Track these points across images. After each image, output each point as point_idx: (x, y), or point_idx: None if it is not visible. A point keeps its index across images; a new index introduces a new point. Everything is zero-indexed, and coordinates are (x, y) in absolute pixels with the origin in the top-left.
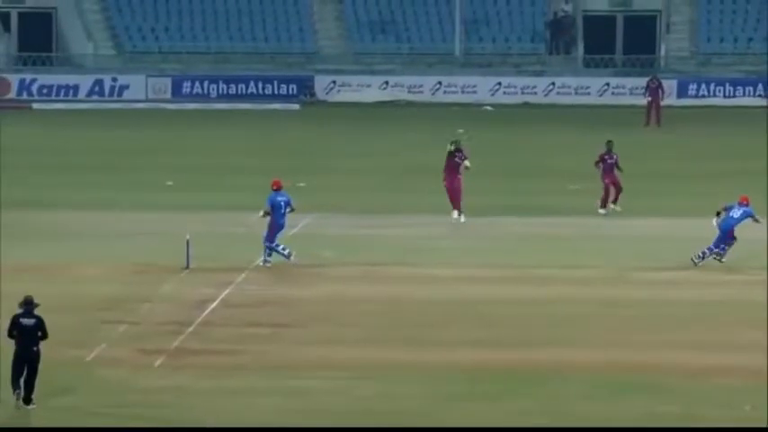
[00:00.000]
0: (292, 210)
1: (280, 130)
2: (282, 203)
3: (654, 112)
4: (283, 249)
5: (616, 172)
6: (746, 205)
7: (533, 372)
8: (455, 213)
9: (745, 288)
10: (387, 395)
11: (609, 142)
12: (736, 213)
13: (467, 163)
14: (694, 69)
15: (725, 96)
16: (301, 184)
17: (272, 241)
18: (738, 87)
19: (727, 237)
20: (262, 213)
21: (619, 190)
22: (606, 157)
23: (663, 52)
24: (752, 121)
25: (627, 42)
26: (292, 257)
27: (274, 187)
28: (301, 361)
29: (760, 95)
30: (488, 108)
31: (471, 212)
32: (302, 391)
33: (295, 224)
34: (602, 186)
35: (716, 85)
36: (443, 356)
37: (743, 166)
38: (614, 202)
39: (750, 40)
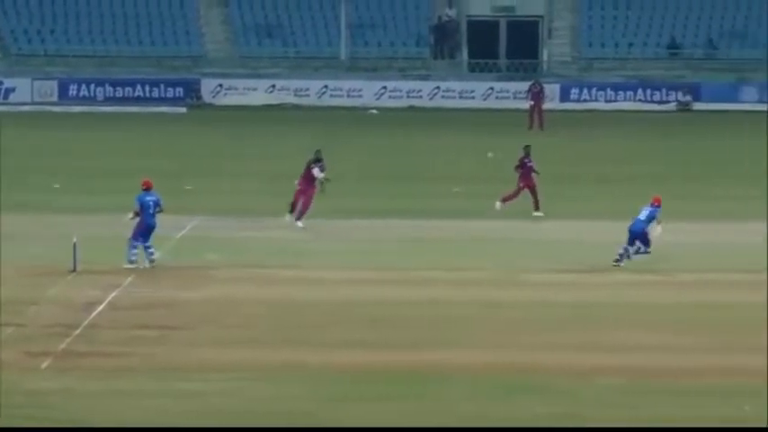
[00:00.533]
0: (161, 210)
1: (167, 134)
2: (151, 203)
3: (536, 116)
4: (133, 255)
5: (533, 175)
6: (657, 206)
7: (418, 373)
8: (288, 216)
9: (632, 289)
10: (274, 396)
11: (527, 147)
12: (643, 215)
13: (322, 176)
14: (576, 74)
15: (606, 101)
16: (188, 187)
17: (135, 239)
18: (619, 92)
19: (640, 238)
20: (131, 215)
21: (536, 194)
22: (526, 160)
23: (545, 57)
24: (632, 124)
25: (510, 47)
26: (133, 263)
27: (144, 187)
28: (189, 363)
29: (640, 100)
30: (374, 112)
31: (356, 215)
32: (190, 392)
33: (182, 226)
34: (514, 189)
35: (597, 90)
36: (328, 358)
37: (626, 170)
38: (537, 208)
39: (630, 45)
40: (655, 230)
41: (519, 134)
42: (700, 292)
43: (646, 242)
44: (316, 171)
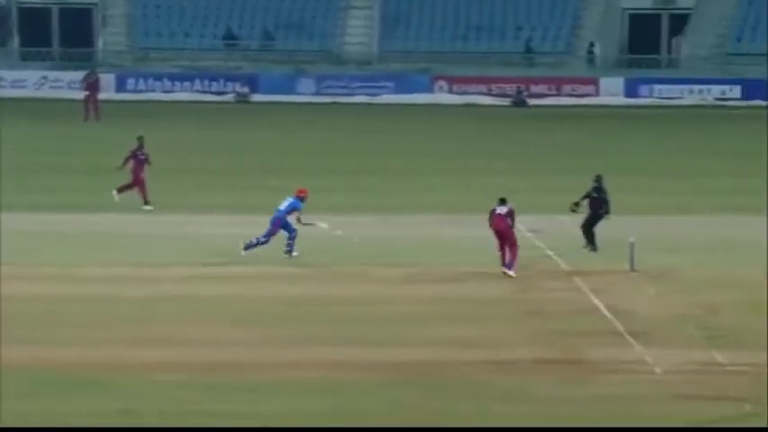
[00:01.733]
0: None
1: None
2: None
3: (92, 106)
4: None
5: (146, 168)
6: (301, 199)
7: None
8: None
9: (202, 284)
10: None
11: (140, 138)
12: (284, 205)
13: None
14: (132, 64)
15: (163, 91)
16: None
17: None
18: (176, 82)
19: (274, 228)
20: None
21: (131, 186)
22: (138, 153)
23: (100, 46)
24: (191, 115)
25: (63, 35)
26: None
27: None
28: None
29: (198, 91)
30: None
31: None
32: None
33: None
34: (132, 180)
35: (154, 80)
36: None
37: (189, 162)
38: (119, 191)
39: (187, 35)
40: (298, 222)
41: (74, 124)
42: (278, 287)
43: (272, 233)
44: None
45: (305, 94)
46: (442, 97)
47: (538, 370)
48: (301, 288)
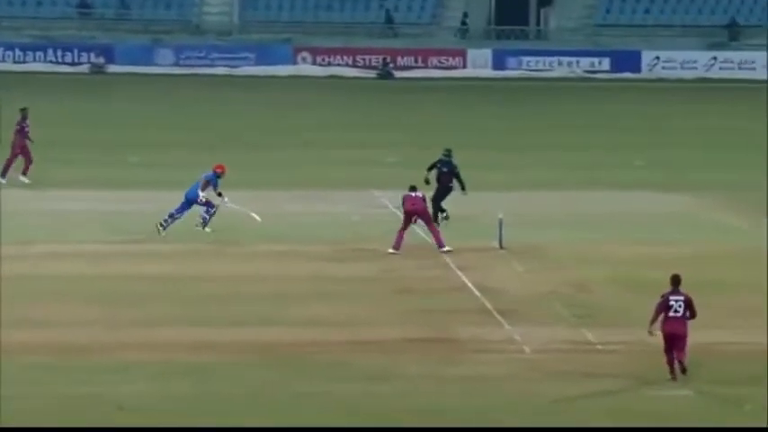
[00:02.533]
0: None
1: None
2: None
3: None
4: None
5: (27, 141)
6: (218, 175)
7: None
8: None
9: (57, 262)
10: None
11: (23, 109)
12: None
13: None
14: None
15: (15, 61)
16: None
17: None
18: (28, 52)
19: (189, 204)
20: None
21: (29, 161)
22: (24, 125)
23: None
24: (44, 87)
25: None
26: None
27: None
28: None
29: (51, 61)
30: None
31: None
32: None
33: None
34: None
35: (5, 50)
36: None
37: (42, 133)
38: (24, 173)
39: (39, 4)
40: (215, 198)
41: None
42: (142, 265)
43: (208, 204)
44: None
45: (163, 65)
46: (306, 69)
47: (407, 349)
48: (167, 266)
